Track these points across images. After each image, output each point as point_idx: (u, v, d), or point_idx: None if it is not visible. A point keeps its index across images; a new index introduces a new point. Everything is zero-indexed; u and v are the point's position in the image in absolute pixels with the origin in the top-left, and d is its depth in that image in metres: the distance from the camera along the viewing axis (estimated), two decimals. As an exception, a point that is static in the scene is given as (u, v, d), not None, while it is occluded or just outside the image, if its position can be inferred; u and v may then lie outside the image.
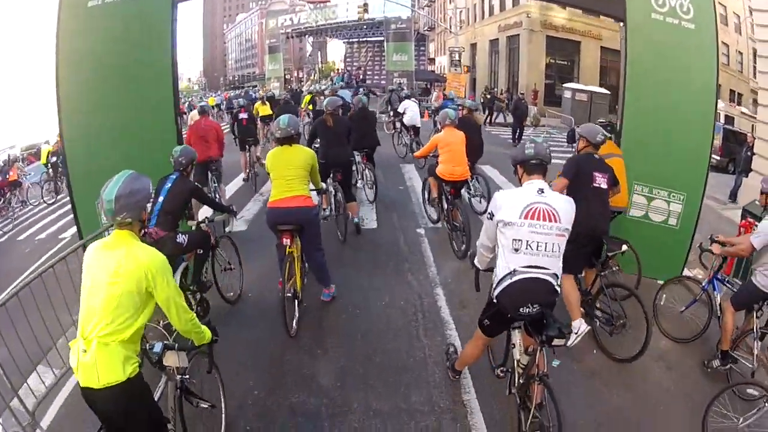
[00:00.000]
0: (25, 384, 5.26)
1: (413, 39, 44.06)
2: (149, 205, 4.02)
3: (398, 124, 17.69)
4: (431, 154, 9.62)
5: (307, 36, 58.01)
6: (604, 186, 6.04)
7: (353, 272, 7.92)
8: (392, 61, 43.68)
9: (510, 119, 27.55)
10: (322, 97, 17.07)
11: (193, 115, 15.52)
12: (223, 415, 4.74)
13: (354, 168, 10.66)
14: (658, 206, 7.78)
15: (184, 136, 10.09)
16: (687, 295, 6.74)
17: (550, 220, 3.98)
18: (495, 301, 4.14)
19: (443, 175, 8.91)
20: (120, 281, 3.30)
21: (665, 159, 7.50)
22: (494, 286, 4.15)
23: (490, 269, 4.44)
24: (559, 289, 4.11)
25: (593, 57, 34.44)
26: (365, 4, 41.03)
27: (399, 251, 8.76)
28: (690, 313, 6.36)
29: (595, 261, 6.26)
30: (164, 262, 3.47)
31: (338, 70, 59.10)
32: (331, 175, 9.04)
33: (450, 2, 48.84)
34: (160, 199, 6.12)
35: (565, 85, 32.68)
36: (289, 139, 6.55)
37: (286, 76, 57.60)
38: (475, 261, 4.60)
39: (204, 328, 3.87)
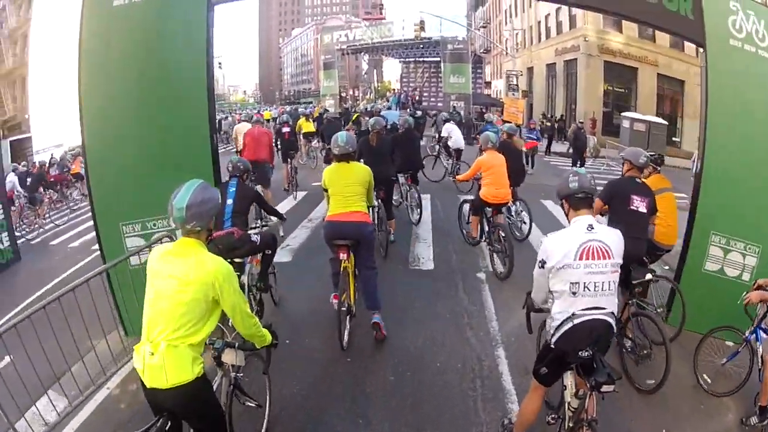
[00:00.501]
0: (34, 407, 5.22)
1: (470, 60, 42.66)
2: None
3: (437, 147, 17.98)
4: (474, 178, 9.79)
5: (362, 54, 58.20)
6: (642, 210, 6.03)
7: (408, 318, 7.34)
8: (449, 82, 41.97)
9: (556, 145, 27.62)
10: (367, 118, 17.59)
11: (239, 128, 16.55)
12: (266, 416, 4.98)
13: (398, 188, 11.27)
14: (733, 260, 7.00)
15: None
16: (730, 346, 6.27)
17: (605, 257, 3.89)
18: (552, 346, 4.06)
19: (486, 198, 9.21)
20: (189, 289, 3.43)
21: (743, 205, 6.82)
22: (552, 332, 4.05)
23: (540, 310, 4.44)
24: (616, 328, 4.05)
25: (650, 84, 33.38)
26: (421, 22, 39.53)
27: (458, 299, 7.98)
28: (731, 366, 5.92)
29: (624, 288, 6.09)
30: (231, 271, 3.60)
31: (394, 90, 58.80)
32: (374, 193, 8.90)
33: (506, 24, 47.89)
34: (229, 201, 6.74)
35: (623, 114, 31.85)
36: (347, 156, 6.76)
37: (342, 94, 57.54)
38: (533, 305, 4.50)
39: (265, 331, 4.03)
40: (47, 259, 14.89)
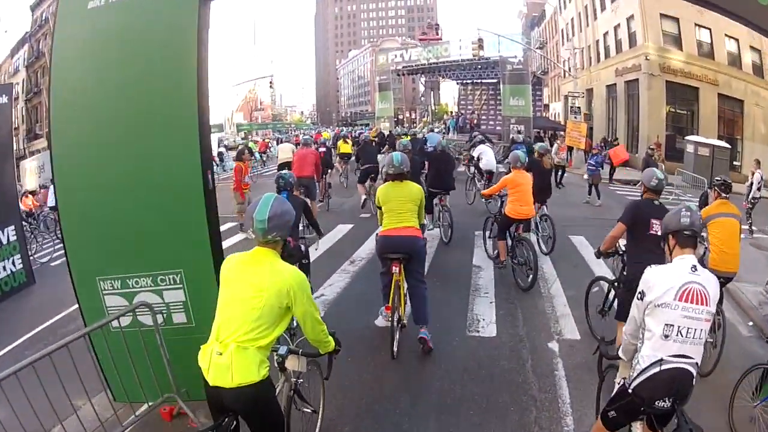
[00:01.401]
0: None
1: (530, 81, 41.33)
2: None
3: (472, 169, 18.32)
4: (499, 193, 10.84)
5: (419, 75, 58.07)
6: (660, 233, 5.94)
7: (460, 418, 5.86)
8: (509, 105, 40.56)
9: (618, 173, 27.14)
10: (400, 139, 20.78)
11: (282, 147, 20.75)
12: (320, 421, 5.27)
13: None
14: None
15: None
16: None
17: (703, 303, 3.72)
18: (630, 391, 3.87)
19: (510, 214, 9.89)
20: (263, 296, 3.65)
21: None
22: (634, 375, 3.86)
23: (614, 359, 4.39)
24: (696, 378, 3.85)
25: (711, 105, 32.32)
26: (480, 40, 38.84)
27: (525, 384, 6.52)
28: (761, 410, 5.42)
29: None
30: (305, 280, 3.84)
31: (452, 112, 58.43)
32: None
33: (563, 44, 47.27)
34: None
35: (687, 137, 30.87)
36: (401, 176, 7.35)
37: (398, 116, 57.45)
38: (620, 352, 4.29)
39: (330, 338, 4.24)
40: (64, 283, 13.41)
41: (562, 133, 38.33)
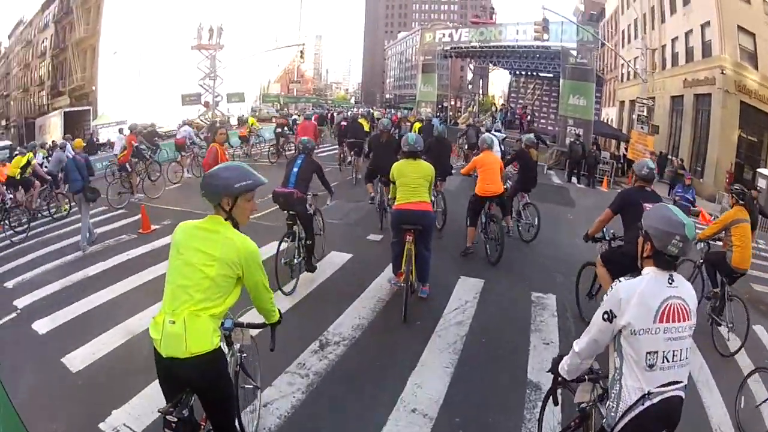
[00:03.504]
0: None
1: (594, 79, 35.79)
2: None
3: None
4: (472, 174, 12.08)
5: (468, 60, 54.80)
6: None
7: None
8: (567, 103, 35.06)
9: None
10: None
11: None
12: (259, 397, 5.52)
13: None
14: None
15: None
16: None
17: (685, 319, 3.47)
18: None
19: (479, 192, 11.36)
20: (215, 264, 3.75)
21: None
22: (618, 415, 3.49)
23: (574, 382, 4.02)
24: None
25: None
26: (544, 20, 32.53)
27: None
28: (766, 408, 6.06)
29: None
30: (256, 249, 3.95)
31: (503, 105, 54.83)
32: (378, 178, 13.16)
33: (623, 46, 43.86)
34: (295, 169, 9.48)
35: (759, 170, 28.68)
36: (414, 154, 8.76)
37: (443, 103, 54.06)
38: (563, 369, 3.99)
39: (276, 308, 4.42)
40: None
41: (624, 142, 36.43)
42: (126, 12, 55.14)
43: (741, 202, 8.62)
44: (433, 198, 12.93)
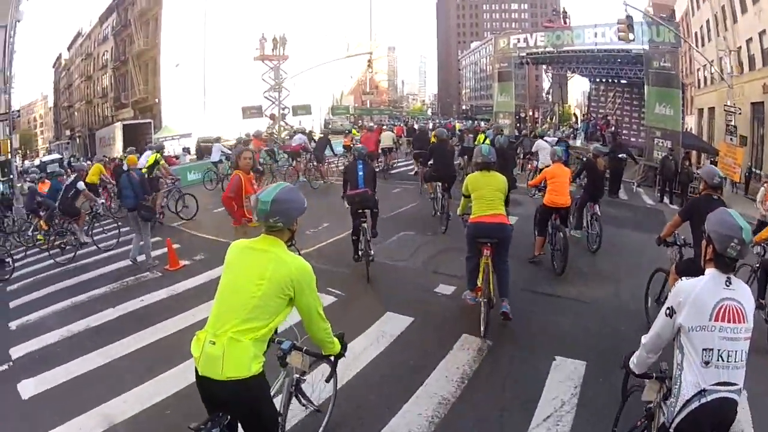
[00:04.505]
0: None
1: (680, 86, 32.46)
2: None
3: (533, 165, 21.42)
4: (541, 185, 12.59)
5: (545, 68, 52.09)
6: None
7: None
8: (653, 113, 32.05)
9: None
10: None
11: (385, 135, 28.06)
12: (325, 423, 5.55)
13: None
14: None
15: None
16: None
17: (740, 321, 3.59)
18: (671, 429, 3.70)
19: (548, 203, 11.72)
20: (264, 284, 3.77)
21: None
22: (676, 409, 3.66)
23: (644, 377, 4.15)
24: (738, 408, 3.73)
25: None
26: (628, 18, 28.14)
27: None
28: None
29: None
30: (310, 270, 3.99)
31: (584, 115, 51.89)
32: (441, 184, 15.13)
33: (698, 47, 40.10)
34: (360, 173, 11.04)
35: None
36: (487, 165, 8.75)
37: (521, 113, 51.68)
38: (633, 363, 4.18)
39: (335, 340, 4.41)
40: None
41: (712, 157, 33.18)
42: (185, 23, 55.38)
43: None
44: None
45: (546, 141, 21.61)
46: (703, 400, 3.51)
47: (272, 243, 3.89)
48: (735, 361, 3.53)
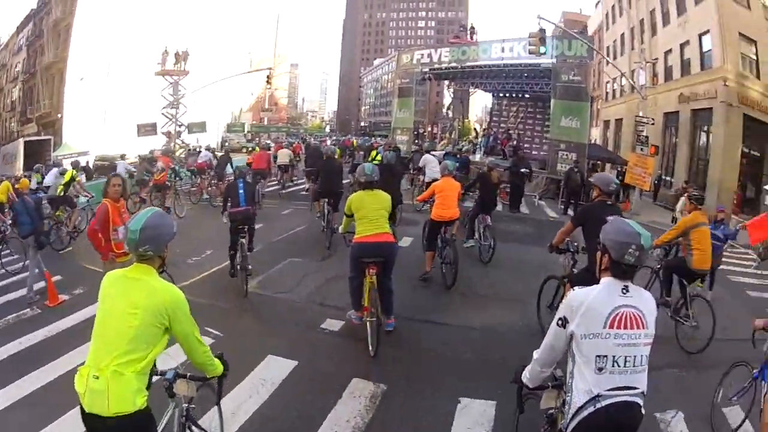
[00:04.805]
0: None
1: (589, 99, 33.58)
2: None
3: (420, 179, 21.64)
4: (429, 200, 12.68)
5: (448, 84, 52.41)
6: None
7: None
8: (559, 125, 31.85)
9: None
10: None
11: (281, 152, 28.12)
12: None
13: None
14: None
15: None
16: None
17: (639, 327, 3.62)
18: None
19: (435, 217, 11.97)
20: (139, 312, 3.69)
21: None
22: (569, 417, 3.68)
23: (537, 389, 4.13)
24: (643, 411, 3.70)
25: None
26: (541, 31, 27.07)
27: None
28: (738, 402, 6.23)
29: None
30: (182, 297, 3.92)
31: (485, 130, 52.46)
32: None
33: (606, 64, 42.21)
34: (241, 192, 11.59)
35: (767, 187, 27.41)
36: (371, 184, 8.76)
37: (419, 129, 51.57)
38: (525, 376, 4.13)
39: (216, 361, 4.31)
40: None
41: (619, 166, 34.31)
42: (95, 34, 53.42)
43: (699, 207, 9.65)
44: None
45: (433, 155, 21.95)
46: (598, 405, 3.53)
47: (144, 271, 3.87)
48: (634, 366, 3.58)
